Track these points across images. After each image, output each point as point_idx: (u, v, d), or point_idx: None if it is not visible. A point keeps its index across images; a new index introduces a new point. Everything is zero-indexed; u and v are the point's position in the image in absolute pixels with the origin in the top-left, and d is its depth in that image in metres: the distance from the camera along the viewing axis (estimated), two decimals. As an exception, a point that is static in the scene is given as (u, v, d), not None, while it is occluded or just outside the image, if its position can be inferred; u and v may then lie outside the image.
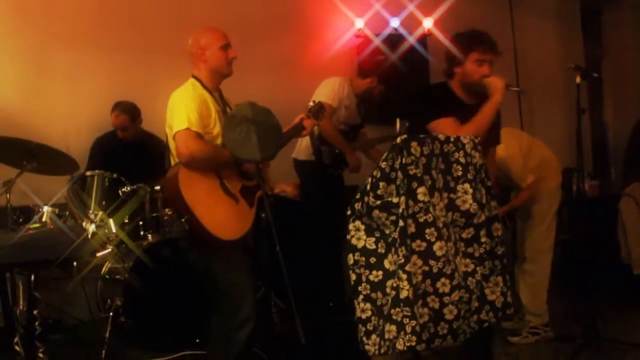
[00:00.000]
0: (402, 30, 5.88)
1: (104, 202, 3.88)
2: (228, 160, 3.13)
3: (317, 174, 4.62)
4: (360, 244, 2.72)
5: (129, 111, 4.81)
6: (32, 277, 3.50)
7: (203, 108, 3.18)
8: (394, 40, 5.72)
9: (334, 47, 5.11)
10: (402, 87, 4.65)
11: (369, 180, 2.69)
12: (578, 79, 3.95)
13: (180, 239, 3.42)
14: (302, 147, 4.72)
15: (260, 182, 3.18)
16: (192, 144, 3.03)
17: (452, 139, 2.79)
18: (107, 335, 3.56)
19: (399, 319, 2.55)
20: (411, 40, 5.67)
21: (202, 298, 3.43)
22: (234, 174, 3.25)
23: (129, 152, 4.66)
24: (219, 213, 3.10)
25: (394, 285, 2.59)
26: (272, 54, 5.50)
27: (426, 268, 2.61)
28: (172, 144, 3.22)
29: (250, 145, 2.91)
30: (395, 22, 5.94)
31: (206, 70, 3.30)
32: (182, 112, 3.09)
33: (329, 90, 4.62)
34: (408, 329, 2.53)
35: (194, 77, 3.31)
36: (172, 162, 3.25)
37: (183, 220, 2.98)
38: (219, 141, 3.19)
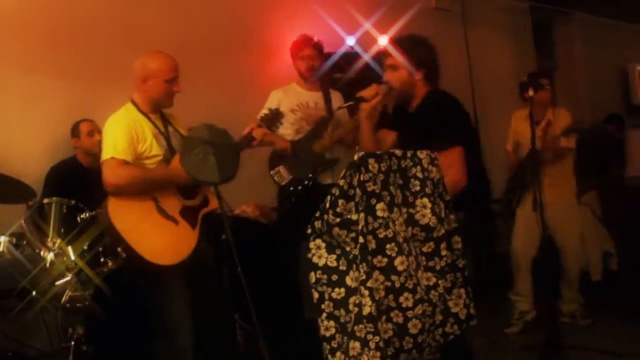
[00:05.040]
0: (358, 48, 5.95)
1: (62, 230, 3.80)
2: (164, 182, 3.11)
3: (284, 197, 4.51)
4: (321, 262, 2.71)
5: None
6: (-11, 309, 3.44)
7: (134, 133, 3.15)
8: (350, 58, 5.78)
9: (292, 65, 5.10)
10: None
11: (328, 198, 2.70)
12: (531, 92, 4.03)
13: (122, 269, 3.34)
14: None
15: (220, 203, 3.16)
16: (119, 171, 3.02)
17: (408, 155, 2.81)
18: (69, 365, 3.49)
19: (363, 336, 2.55)
20: (367, 57, 5.73)
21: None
22: (172, 195, 3.21)
23: (91, 179, 4.06)
24: (155, 238, 3.06)
25: (357, 302, 2.59)
26: (230, 73, 5.51)
27: (388, 283, 2.62)
28: None
29: (208, 167, 2.90)
30: (351, 41, 6.01)
31: (144, 97, 3.27)
32: (109, 141, 3.09)
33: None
34: (372, 345, 2.53)
35: (132, 100, 3.28)
36: None
37: (119, 249, 2.96)
38: (153, 163, 3.18)
